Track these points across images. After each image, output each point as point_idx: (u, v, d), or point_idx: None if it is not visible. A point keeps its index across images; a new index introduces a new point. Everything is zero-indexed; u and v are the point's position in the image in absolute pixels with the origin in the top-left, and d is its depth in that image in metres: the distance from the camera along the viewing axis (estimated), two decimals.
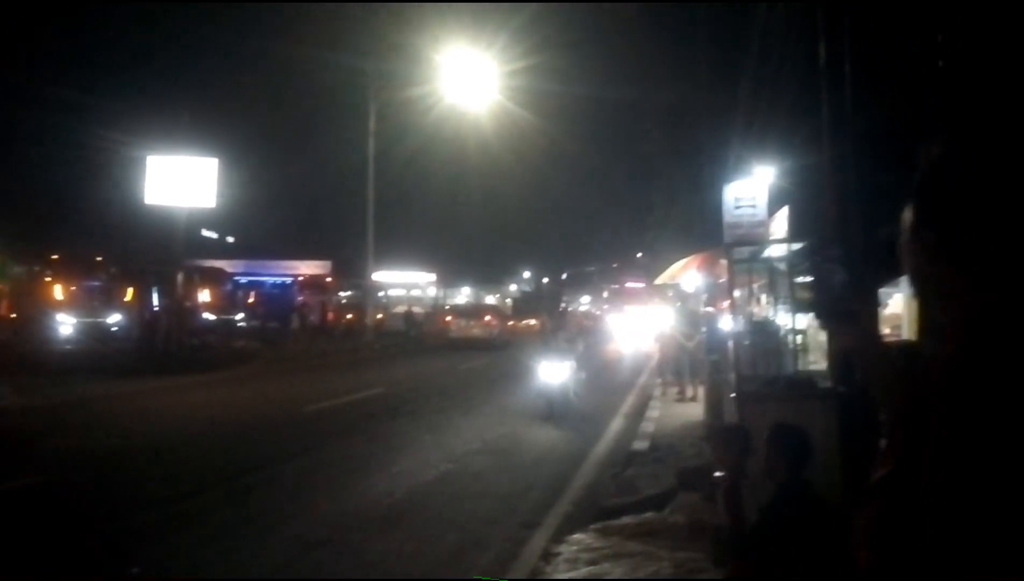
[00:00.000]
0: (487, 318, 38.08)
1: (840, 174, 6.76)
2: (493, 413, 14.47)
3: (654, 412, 13.76)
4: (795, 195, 14.06)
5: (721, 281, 7.76)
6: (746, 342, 7.73)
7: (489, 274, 75.62)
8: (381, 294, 39.93)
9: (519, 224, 76.90)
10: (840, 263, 1.93)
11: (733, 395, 6.56)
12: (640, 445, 10.70)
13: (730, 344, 8.31)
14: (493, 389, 18.46)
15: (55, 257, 28.04)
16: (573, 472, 9.61)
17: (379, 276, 40.10)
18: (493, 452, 10.85)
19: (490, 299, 74.65)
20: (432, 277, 60.89)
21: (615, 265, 63.75)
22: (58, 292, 26.84)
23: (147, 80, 45.42)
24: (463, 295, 71.16)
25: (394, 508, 7.98)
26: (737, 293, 7.74)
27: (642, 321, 41.33)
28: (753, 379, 6.96)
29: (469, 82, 28.68)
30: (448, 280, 64.96)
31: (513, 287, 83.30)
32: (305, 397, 15.85)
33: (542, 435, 12.45)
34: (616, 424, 13.35)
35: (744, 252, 7.78)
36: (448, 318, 40.00)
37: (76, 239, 31.41)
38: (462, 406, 15.17)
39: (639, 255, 61.80)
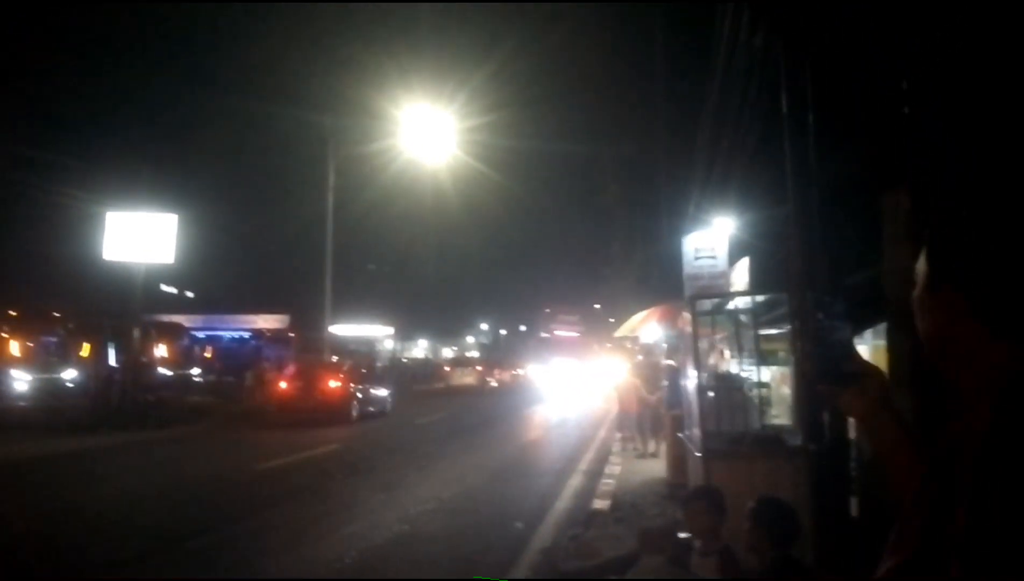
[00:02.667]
0: (477, 368, 47.91)
1: (805, 224, 6.61)
2: (449, 470, 14.10)
3: (614, 469, 13.44)
4: (755, 246, 13.99)
5: (687, 332, 7.52)
6: (710, 396, 7.49)
7: (446, 327, 75.01)
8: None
9: (477, 277, 76.58)
10: (844, 319, 1.72)
11: (699, 454, 6.29)
12: (601, 504, 10.37)
13: (692, 398, 8.08)
14: (449, 445, 18.11)
15: (12, 313, 27.49)
16: (531, 533, 9.24)
17: (336, 329, 39.51)
18: (449, 512, 10.46)
19: (447, 352, 74.21)
20: (390, 330, 60.23)
21: (547, 310, 57.22)
22: (14, 348, 26.25)
23: (105, 136, 44.80)
24: (420, 348, 70.51)
25: (345, 573, 7.59)
26: (701, 346, 7.51)
27: (577, 375, 40.57)
28: (719, 435, 6.70)
29: (428, 137, 28.60)
30: (405, 333, 64.34)
31: (471, 339, 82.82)
32: (259, 454, 15.44)
33: (499, 493, 12.10)
34: (575, 481, 13.00)
35: (707, 304, 7.57)
36: (447, 368, 49.84)
37: (34, 295, 30.75)
38: (418, 463, 14.77)
39: (597, 306, 59.21)
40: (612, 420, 21.81)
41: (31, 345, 26.55)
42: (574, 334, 48.94)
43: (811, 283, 6.54)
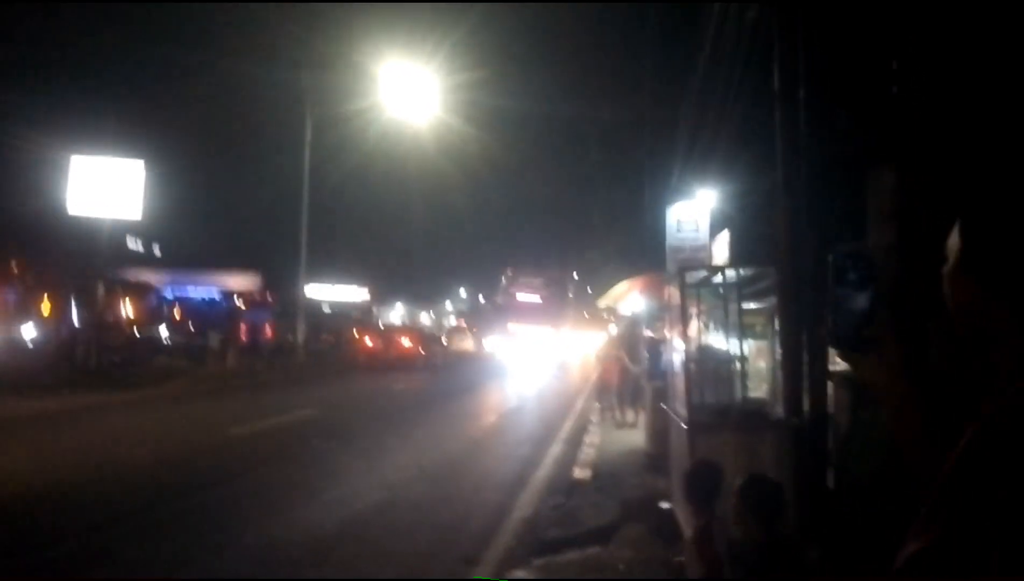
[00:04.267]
0: (472, 333, 50.87)
1: (793, 197, 6.62)
2: (428, 437, 14.11)
3: (594, 438, 13.51)
4: (736, 219, 14.02)
5: (674, 304, 7.52)
6: (692, 368, 7.50)
7: (424, 291, 74.67)
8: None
9: (457, 241, 76.29)
10: (861, 286, 1.71)
11: (684, 426, 6.32)
12: (581, 474, 10.42)
13: (677, 370, 8.09)
14: (428, 411, 18.14)
15: None
16: (512, 501, 9.26)
17: (311, 291, 39.28)
18: (429, 479, 10.47)
19: (424, 317, 73.96)
20: (365, 293, 59.75)
21: (509, 272, 48.86)
22: None
23: (71, 82, 43.72)
24: (397, 312, 70.18)
25: (325, 541, 7.55)
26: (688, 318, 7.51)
27: (544, 345, 38.82)
28: (702, 408, 6.73)
29: (409, 96, 28.30)
30: (381, 297, 63.92)
31: (449, 306, 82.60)
32: (231, 419, 15.26)
33: (479, 461, 12.15)
34: (555, 450, 13.05)
35: (694, 276, 7.56)
36: (446, 334, 53.35)
37: None
38: (397, 429, 14.76)
39: (575, 276, 57.90)
40: (590, 390, 21.90)
41: None
42: (537, 299, 43.77)
43: (798, 256, 6.57)
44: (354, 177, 44.32)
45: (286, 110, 33.43)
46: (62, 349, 23.99)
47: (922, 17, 6.15)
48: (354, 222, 56.59)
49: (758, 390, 8.55)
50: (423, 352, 36.10)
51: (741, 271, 7.80)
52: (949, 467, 1.37)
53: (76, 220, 25.95)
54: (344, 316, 51.48)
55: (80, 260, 26.58)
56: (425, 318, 73.13)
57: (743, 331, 8.42)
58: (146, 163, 26.77)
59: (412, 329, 44.68)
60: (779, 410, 6.71)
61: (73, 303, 25.70)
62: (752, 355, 9.07)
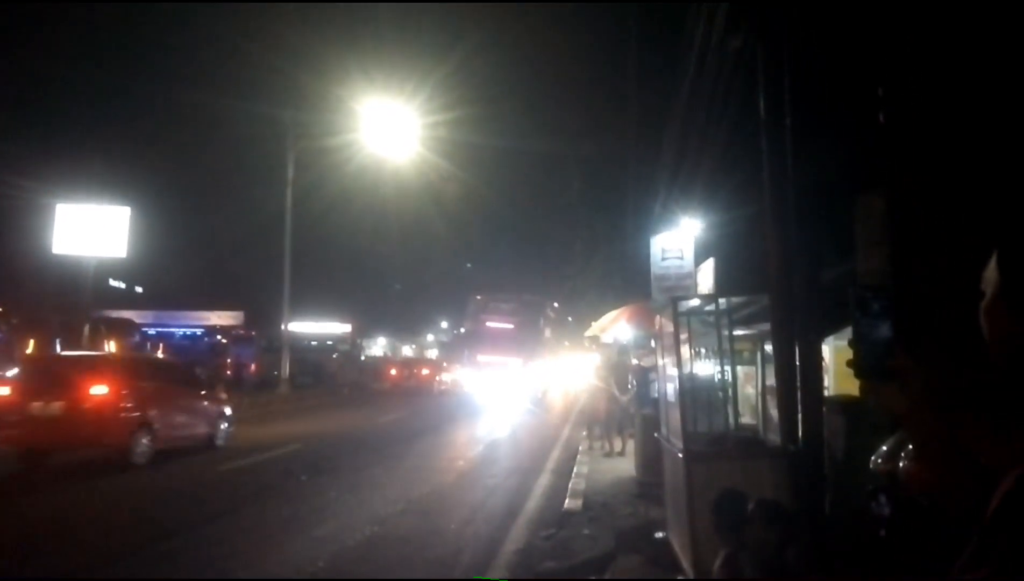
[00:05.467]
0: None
1: (782, 225, 6.64)
2: (416, 469, 13.98)
3: (583, 468, 13.43)
4: (720, 247, 14.07)
5: (667, 332, 7.52)
6: (686, 397, 7.49)
7: (406, 324, 74.61)
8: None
9: (438, 273, 76.23)
10: (883, 318, 1.71)
11: (680, 455, 6.28)
12: (572, 504, 10.34)
13: (670, 398, 8.08)
14: (414, 443, 17.98)
15: None
16: (504, 534, 9.17)
17: (293, 326, 39.11)
18: (419, 513, 10.36)
19: (407, 350, 73.75)
20: (347, 327, 59.50)
21: (478, 297, 44.47)
22: None
23: (57, 125, 43.74)
24: (379, 346, 69.95)
25: (318, 577, 7.45)
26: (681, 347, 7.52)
27: (513, 377, 35.75)
28: (696, 436, 6.71)
29: (389, 133, 28.38)
30: (364, 330, 63.71)
31: (430, 337, 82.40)
32: (219, 455, 15.08)
33: (469, 493, 12.03)
34: (544, 480, 12.96)
35: (685, 305, 7.57)
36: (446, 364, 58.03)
37: None
38: (384, 462, 14.63)
39: (555, 305, 56.93)
40: (575, 419, 21.82)
41: None
42: (510, 326, 39.82)
43: (789, 282, 6.58)
44: (335, 212, 44.37)
45: (268, 148, 33.45)
46: None
47: (909, 43, 6.22)
48: (336, 257, 56.62)
49: (747, 416, 8.56)
50: (437, 379, 43.62)
51: (733, 299, 7.82)
52: (994, 507, 1.35)
53: (62, 262, 26.06)
54: (326, 350, 51.08)
55: (64, 300, 26.60)
56: (407, 351, 72.91)
57: (736, 358, 8.45)
58: (126, 203, 26.94)
59: (429, 360, 55.34)
60: (771, 436, 6.70)
61: (57, 342, 25.64)
62: (741, 381, 9.09)
